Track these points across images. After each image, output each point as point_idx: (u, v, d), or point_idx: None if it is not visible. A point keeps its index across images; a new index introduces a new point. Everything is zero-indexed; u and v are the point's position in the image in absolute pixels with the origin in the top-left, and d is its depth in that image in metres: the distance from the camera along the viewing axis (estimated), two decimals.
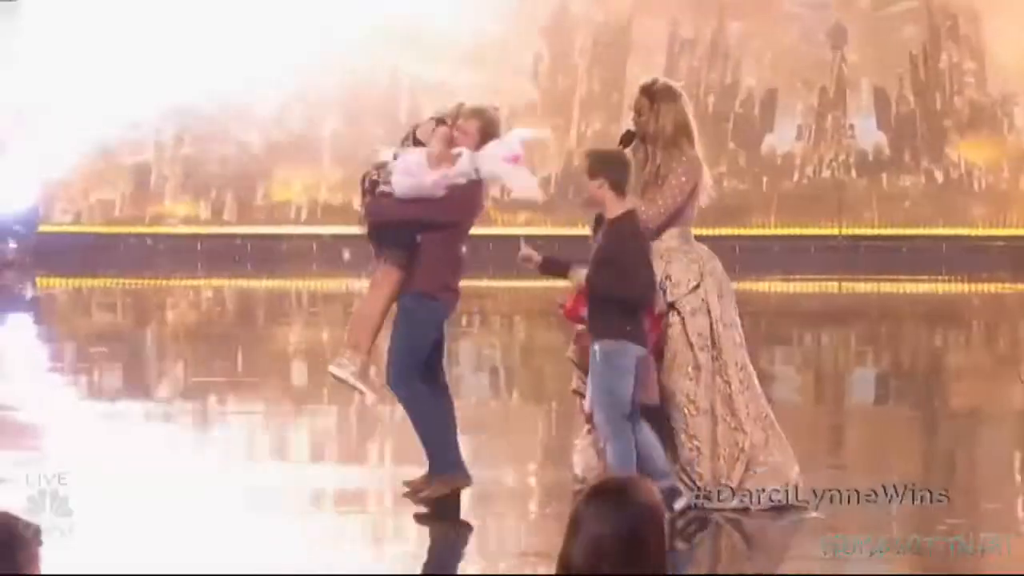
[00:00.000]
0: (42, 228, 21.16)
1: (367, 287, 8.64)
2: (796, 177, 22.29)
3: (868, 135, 22.23)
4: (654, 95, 8.41)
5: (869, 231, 21.78)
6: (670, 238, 8.32)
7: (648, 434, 7.92)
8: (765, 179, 22.21)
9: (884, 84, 22.24)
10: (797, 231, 21.65)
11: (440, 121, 8.40)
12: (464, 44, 21.40)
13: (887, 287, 20.35)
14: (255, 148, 21.76)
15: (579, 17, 22.01)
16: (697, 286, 8.22)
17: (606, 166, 8.02)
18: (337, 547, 8.09)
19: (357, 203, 8.76)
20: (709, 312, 8.19)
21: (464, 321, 16.11)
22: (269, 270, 20.29)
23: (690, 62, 22.14)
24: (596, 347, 7.84)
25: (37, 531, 3.62)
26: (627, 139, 8.47)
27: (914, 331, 17.05)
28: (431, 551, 8.11)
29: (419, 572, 7.71)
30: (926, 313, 18.62)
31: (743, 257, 21.14)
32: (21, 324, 17.94)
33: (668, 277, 8.21)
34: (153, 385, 13.19)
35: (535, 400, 12.70)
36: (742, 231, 21.62)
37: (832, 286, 20.70)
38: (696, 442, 8.10)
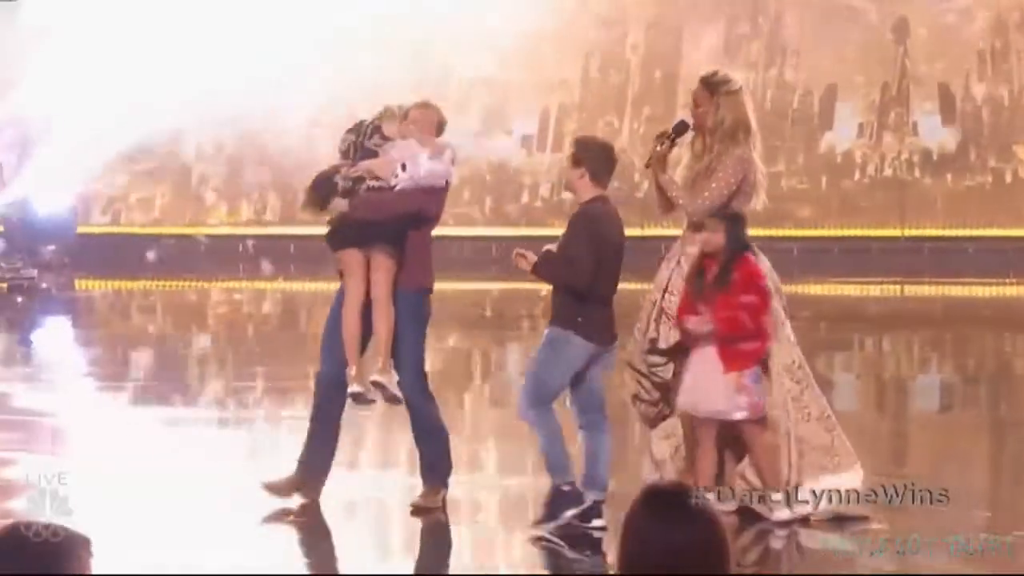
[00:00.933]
0: (81, 229, 21.24)
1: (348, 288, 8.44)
2: (857, 176, 22.12)
3: (932, 133, 22.04)
4: (715, 87, 8.37)
5: (933, 232, 21.57)
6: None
7: (604, 442, 7.90)
8: (824, 178, 22.04)
9: (949, 80, 22.04)
10: (858, 232, 21.47)
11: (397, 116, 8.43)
12: (515, 41, 21.34)
13: (952, 290, 20.14)
14: (297, 148, 21.76)
15: (632, 13, 21.91)
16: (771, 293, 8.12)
17: (589, 155, 8.08)
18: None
19: (306, 206, 8.64)
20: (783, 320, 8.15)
21: (519, 325, 16.09)
22: (312, 271, 20.29)
23: (747, 58, 22.00)
24: (546, 331, 7.98)
25: (86, 541, 3.57)
26: (681, 129, 8.43)
27: (980, 336, 16.87)
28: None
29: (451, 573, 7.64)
30: (993, 317, 18.42)
31: (801, 259, 20.98)
32: (59, 327, 17.98)
33: None
34: (195, 388, 13.17)
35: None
36: (800, 232, 21.46)
37: (894, 289, 20.51)
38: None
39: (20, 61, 19.87)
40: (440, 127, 8.48)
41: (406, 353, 8.39)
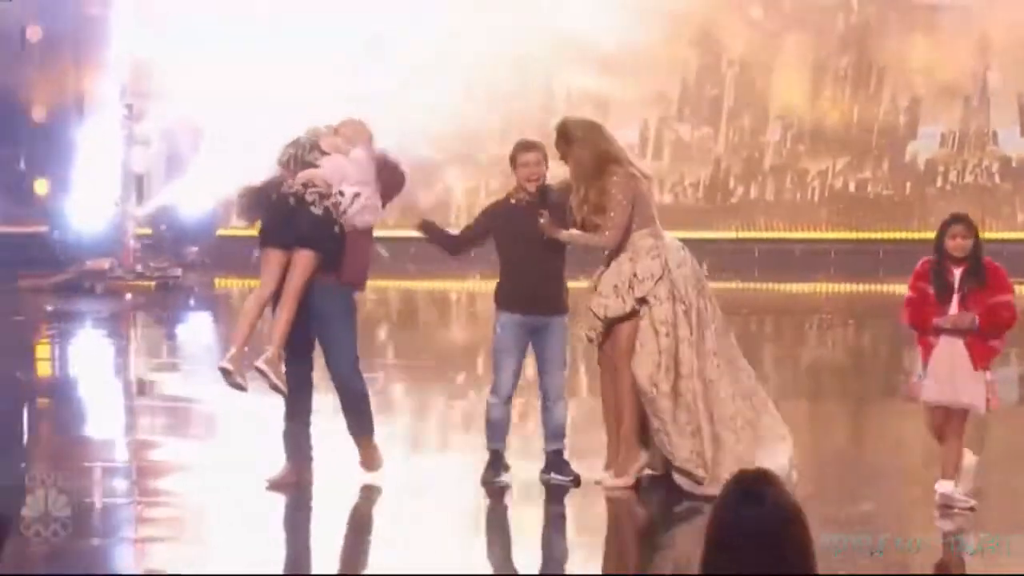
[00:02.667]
0: (220, 232, 21.53)
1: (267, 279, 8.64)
2: (939, 183, 21.94)
3: (1011, 143, 21.81)
4: (566, 136, 8.56)
5: (1012, 235, 21.35)
6: (641, 239, 8.57)
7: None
8: (908, 184, 21.89)
9: None
10: None
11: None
12: (613, 54, 21.37)
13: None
14: (415, 153, 21.92)
15: (726, 27, 21.86)
16: (660, 278, 8.45)
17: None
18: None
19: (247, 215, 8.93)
20: (681, 301, 8.44)
21: None
22: (431, 271, 20.42)
23: (836, 72, 21.89)
24: (564, 319, 8.50)
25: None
26: (544, 192, 8.65)
27: None
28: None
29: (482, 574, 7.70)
30: None
31: (887, 260, 20.85)
32: (201, 322, 18.28)
33: (635, 275, 8.49)
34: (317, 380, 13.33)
35: None
36: (886, 235, 21.33)
37: None
38: (659, 422, 8.37)
39: (171, 75, 20.18)
40: (370, 139, 8.81)
41: (342, 346, 8.58)
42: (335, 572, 7.46)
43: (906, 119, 22.04)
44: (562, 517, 8.47)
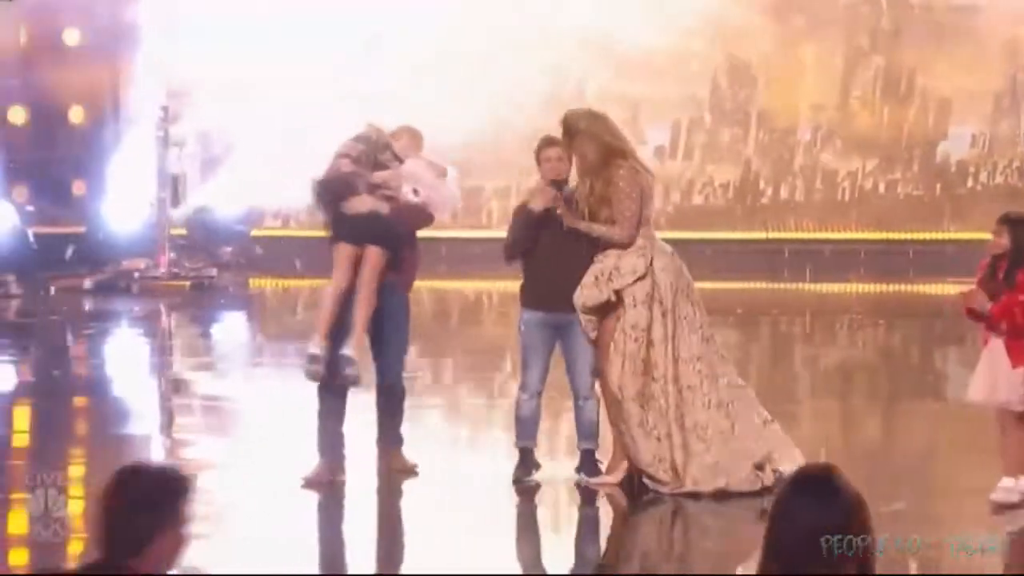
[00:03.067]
0: (254, 232, 21.58)
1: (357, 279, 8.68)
2: (970, 184, 21.83)
3: None
4: (569, 129, 8.51)
5: None
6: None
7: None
8: (938, 185, 21.79)
9: None
10: (970, 235, 21.20)
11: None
12: (644, 56, 21.33)
13: None
14: (447, 155, 21.90)
15: (757, 29, 21.80)
16: (642, 277, 8.38)
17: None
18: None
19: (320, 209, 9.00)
20: (660, 302, 8.37)
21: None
22: (462, 272, 20.43)
23: (865, 73, 21.81)
24: (582, 318, 8.45)
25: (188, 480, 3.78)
26: (559, 183, 8.58)
27: None
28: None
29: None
30: None
31: (917, 260, 20.75)
32: (236, 322, 18.32)
33: (617, 268, 8.44)
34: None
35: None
36: (916, 235, 21.23)
37: None
38: (623, 426, 8.32)
39: (206, 76, 20.23)
40: (421, 147, 9.01)
41: (398, 345, 8.65)
42: (369, 572, 7.45)
43: (936, 120, 21.93)
44: (592, 518, 8.45)
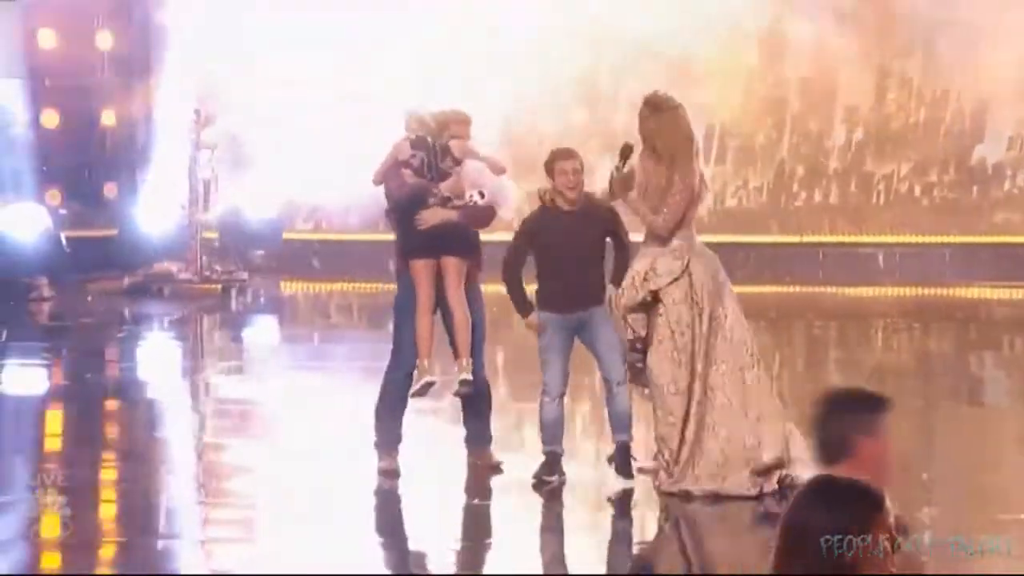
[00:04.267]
0: (286, 235, 21.63)
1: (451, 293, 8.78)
2: (1007, 186, 21.75)
3: None
4: (656, 106, 8.63)
5: None
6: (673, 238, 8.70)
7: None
8: (975, 188, 21.72)
9: None
10: (1007, 239, 21.11)
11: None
12: (677, 58, 21.31)
13: None
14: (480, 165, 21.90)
15: (790, 30, 21.76)
16: (677, 278, 8.52)
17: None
18: None
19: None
20: (696, 303, 8.53)
21: None
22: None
23: (902, 75, 21.75)
24: (600, 309, 8.60)
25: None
26: (626, 152, 8.65)
27: None
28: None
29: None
30: None
31: (953, 264, 20.65)
32: (267, 325, 18.39)
33: (653, 269, 8.57)
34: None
35: None
36: (952, 239, 21.15)
37: None
38: (672, 418, 8.47)
39: (237, 79, 20.30)
40: (470, 132, 9.08)
41: (478, 340, 8.77)
42: (402, 572, 7.47)
43: (973, 122, 21.85)
44: (624, 523, 8.46)
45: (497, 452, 9.06)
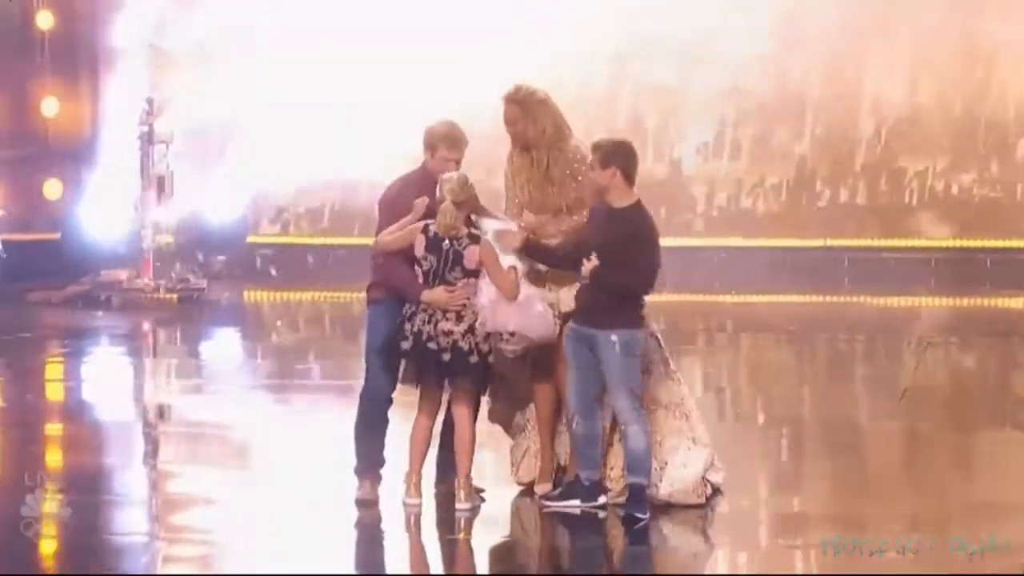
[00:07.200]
0: (250, 239, 21.67)
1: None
2: None
3: None
4: (524, 102, 9.21)
5: None
6: None
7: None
8: (1019, 187, 21.81)
9: None
10: None
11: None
12: (688, 44, 21.38)
13: None
14: (490, 149, 21.94)
15: (814, 18, 21.82)
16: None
17: (618, 156, 8.74)
18: None
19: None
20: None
21: (694, 339, 16.14)
22: None
23: (939, 65, 21.82)
24: (613, 337, 8.58)
25: None
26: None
27: None
28: None
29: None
30: None
31: (995, 270, 20.74)
32: (228, 339, 18.41)
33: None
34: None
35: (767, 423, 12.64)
36: (994, 243, 21.24)
37: None
38: (658, 436, 8.99)
39: (200, 76, 20.32)
40: (462, 152, 9.47)
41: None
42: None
43: (1016, 113, 21.94)
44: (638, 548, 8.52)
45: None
